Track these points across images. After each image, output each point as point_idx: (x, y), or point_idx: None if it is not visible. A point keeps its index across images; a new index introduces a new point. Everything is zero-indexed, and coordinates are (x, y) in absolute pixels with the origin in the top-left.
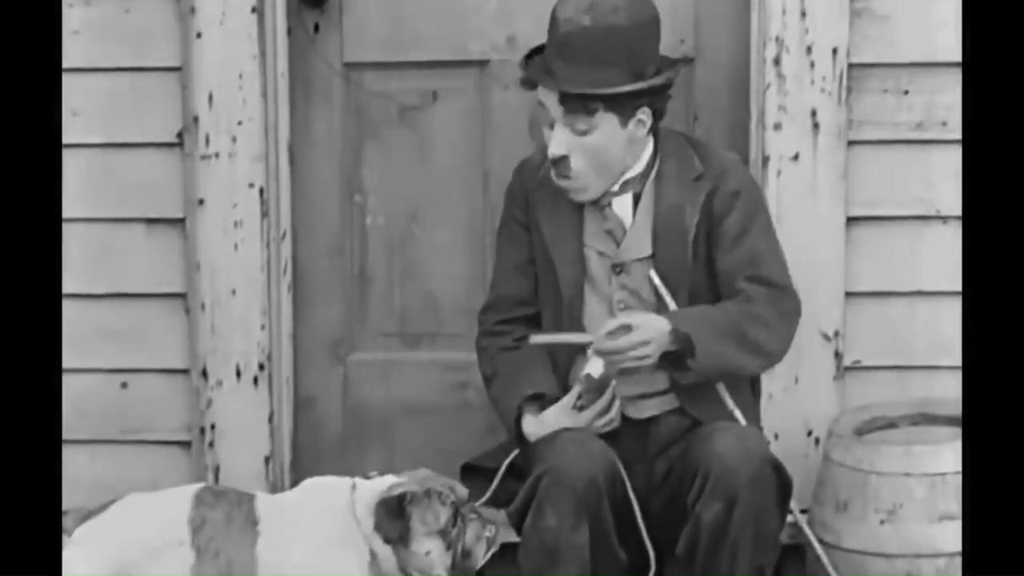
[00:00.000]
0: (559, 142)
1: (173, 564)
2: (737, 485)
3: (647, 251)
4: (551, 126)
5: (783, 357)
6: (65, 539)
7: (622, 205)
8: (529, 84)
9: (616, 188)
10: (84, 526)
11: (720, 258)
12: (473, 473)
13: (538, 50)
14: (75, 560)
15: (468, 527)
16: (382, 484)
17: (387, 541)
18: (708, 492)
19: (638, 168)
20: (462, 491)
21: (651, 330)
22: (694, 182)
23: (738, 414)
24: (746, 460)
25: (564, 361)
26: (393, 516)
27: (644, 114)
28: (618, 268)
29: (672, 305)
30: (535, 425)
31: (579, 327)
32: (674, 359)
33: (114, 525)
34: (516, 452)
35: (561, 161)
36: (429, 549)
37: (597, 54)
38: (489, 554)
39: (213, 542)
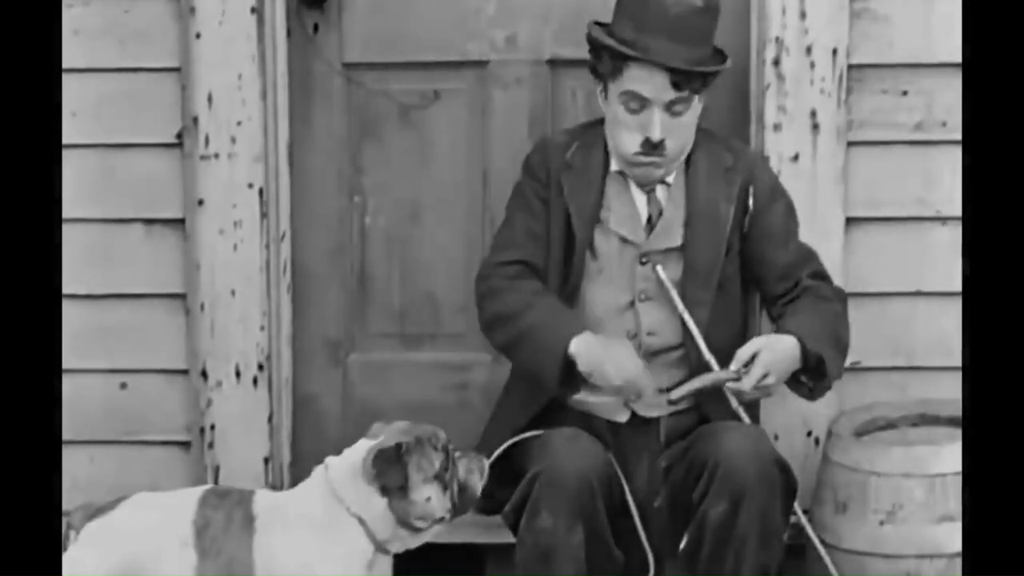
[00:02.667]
0: (662, 125)
1: (177, 565)
2: (744, 484)
3: (677, 241)
4: (635, 111)
5: None
6: (72, 535)
7: (661, 192)
8: (609, 70)
9: (672, 176)
10: (92, 524)
11: (773, 253)
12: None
13: (593, 44)
14: (82, 558)
15: (459, 464)
16: (355, 452)
17: (386, 492)
18: (715, 491)
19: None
20: (442, 433)
21: (777, 355)
22: (725, 173)
23: (742, 413)
24: (754, 460)
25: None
26: (393, 465)
27: (704, 95)
28: (645, 258)
29: (678, 301)
30: (590, 342)
31: (572, 310)
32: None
33: (121, 524)
34: (517, 438)
35: (660, 144)
36: (429, 495)
37: (699, 33)
38: (483, 483)
39: (215, 543)
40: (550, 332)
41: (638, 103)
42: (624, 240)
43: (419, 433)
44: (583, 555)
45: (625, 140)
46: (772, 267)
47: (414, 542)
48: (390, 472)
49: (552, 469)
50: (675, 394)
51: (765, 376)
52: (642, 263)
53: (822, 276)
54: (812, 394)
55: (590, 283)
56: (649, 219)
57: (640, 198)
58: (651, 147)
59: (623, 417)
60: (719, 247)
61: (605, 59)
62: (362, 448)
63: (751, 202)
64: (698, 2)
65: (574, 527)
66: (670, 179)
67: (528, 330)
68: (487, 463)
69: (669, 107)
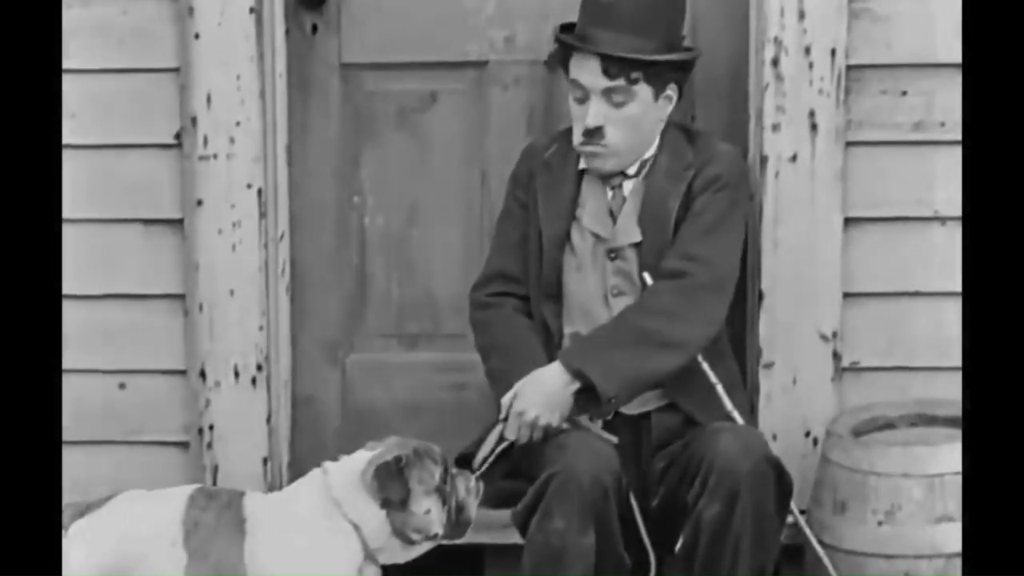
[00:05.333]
0: (596, 113)
1: (166, 564)
2: (738, 485)
3: (637, 237)
4: (581, 101)
5: (705, 339)
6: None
7: (628, 188)
8: (559, 60)
9: (632, 170)
10: (79, 521)
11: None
12: (469, 462)
13: (564, 30)
14: (69, 555)
15: (457, 481)
16: (354, 461)
17: (387, 505)
18: (709, 491)
19: (651, 151)
20: (437, 447)
21: (535, 395)
22: (683, 171)
23: (736, 415)
24: (747, 460)
25: (557, 336)
26: (394, 479)
27: (672, 91)
28: (613, 253)
29: None
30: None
31: (558, 305)
32: (589, 393)
33: (110, 522)
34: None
35: (596, 132)
36: (428, 508)
37: (640, 22)
38: (477, 503)
39: (204, 543)
40: (502, 383)
41: (581, 92)
42: (596, 236)
43: (417, 446)
44: (593, 558)
45: (574, 130)
46: None
47: (404, 556)
48: (391, 486)
49: (567, 471)
50: (476, 463)
51: (524, 416)
52: (611, 259)
53: (687, 256)
54: (605, 407)
55: (570, 277)
56: (613, 214)
57: (608, 194)
58: (589, 135)
59: (607, 415)
60: (667, 242)
61: (557, 53)
62: (361, 459)
63: (693, 194)
64: None
65: (586, 530)
66: (631, 171)
67: (489, 373)
68: (482, 485)
69: (608, 97)
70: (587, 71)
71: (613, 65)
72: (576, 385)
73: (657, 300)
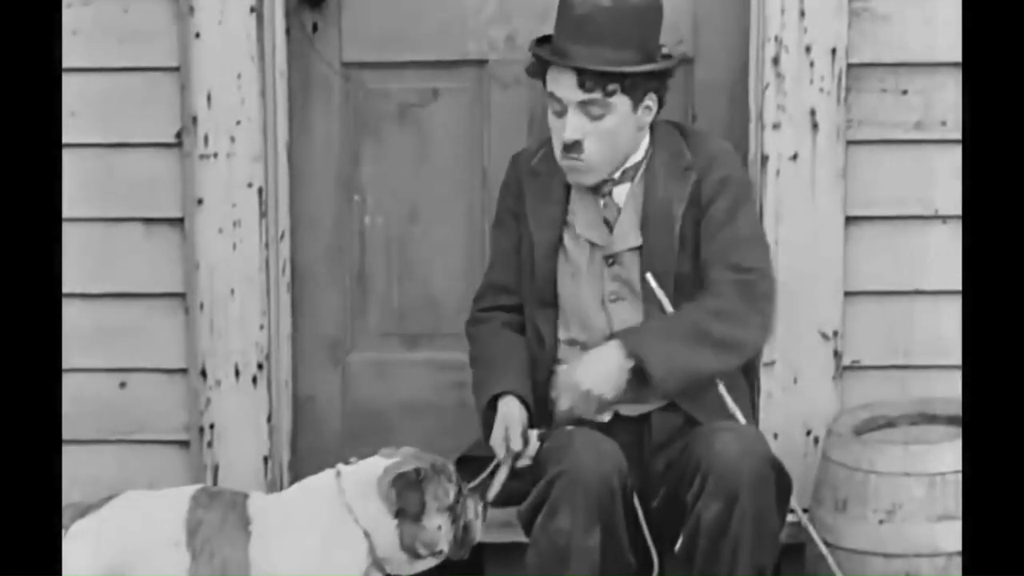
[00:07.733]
0: (574, 127)
1: (168, 564)
2: (738, 485)
3: (637, 241)
4: (559, 114)
5: (762, 344)
6: (61, 533)
7: (620, 194)
8: (536, 72)
9: (617, 176)
10: (81, 522)
11: (704, 247)
12: (469, 464)
13: (542, 42)
14: (71, 555)
15: (468, 502)
16: (370, 467)
17: (400, 515)
18: (708, 491)
19: (637, 157)
20: (451, 465)
21: (588, 367)
22: (683, 172)
23: (739, 415)
24: (747, 460)
25: (551, 343)
26: (413, 490)
27: (651, 100)
28: (611, 259)
29: (667, 304)
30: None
31: (552, 312)
32: (642, 374)
33: (111, 523)
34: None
35: (575, 145)
36: (439, 524)
37: (615, 34)
38: (482, 525)
39: (208, 544)
40: (479, 392)
41: (559, 105)
42: (592, 243)
43: (433, 461)
44: (598, 558)
45: (554, 144)
46: (702, 260)
47: (408, 569)
48: (409, 497)
49: (574, 470)
50: (491, 494)
51: (579, 387)
52: (609, 265)
53: (735, 267)
54: (656, 391)
55: (565, 284)
56: (608, 222)
57: (600, 202)
58: (567, 149)
59: (605, 417)
60: (671, 245)
61: (534, 66)
62: (378, 465)
63: (702, 198)
64: (604, 2)
65: (591, 529)
66: (616, 176)
67: (473, 385)
68: (486, 509)
69: (585, 109)
70: (563, 84)
71: (589, 78)
72: (631, 364)
73: (719, 302)
